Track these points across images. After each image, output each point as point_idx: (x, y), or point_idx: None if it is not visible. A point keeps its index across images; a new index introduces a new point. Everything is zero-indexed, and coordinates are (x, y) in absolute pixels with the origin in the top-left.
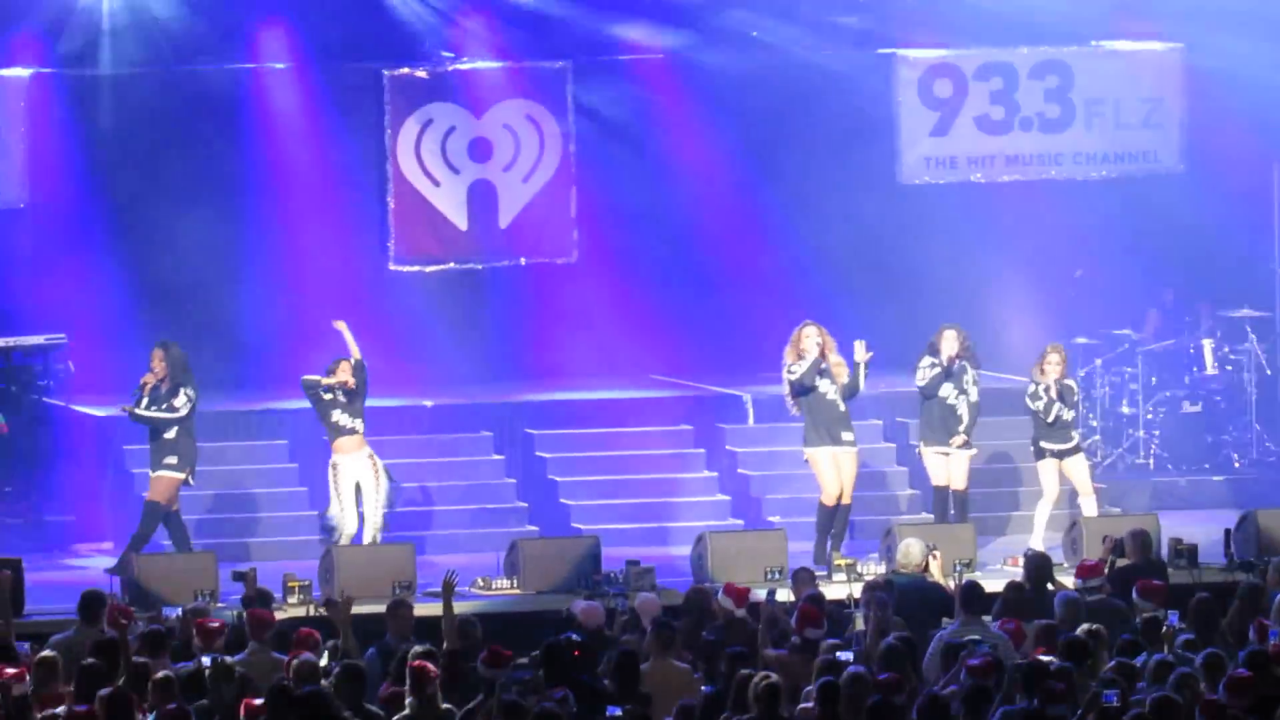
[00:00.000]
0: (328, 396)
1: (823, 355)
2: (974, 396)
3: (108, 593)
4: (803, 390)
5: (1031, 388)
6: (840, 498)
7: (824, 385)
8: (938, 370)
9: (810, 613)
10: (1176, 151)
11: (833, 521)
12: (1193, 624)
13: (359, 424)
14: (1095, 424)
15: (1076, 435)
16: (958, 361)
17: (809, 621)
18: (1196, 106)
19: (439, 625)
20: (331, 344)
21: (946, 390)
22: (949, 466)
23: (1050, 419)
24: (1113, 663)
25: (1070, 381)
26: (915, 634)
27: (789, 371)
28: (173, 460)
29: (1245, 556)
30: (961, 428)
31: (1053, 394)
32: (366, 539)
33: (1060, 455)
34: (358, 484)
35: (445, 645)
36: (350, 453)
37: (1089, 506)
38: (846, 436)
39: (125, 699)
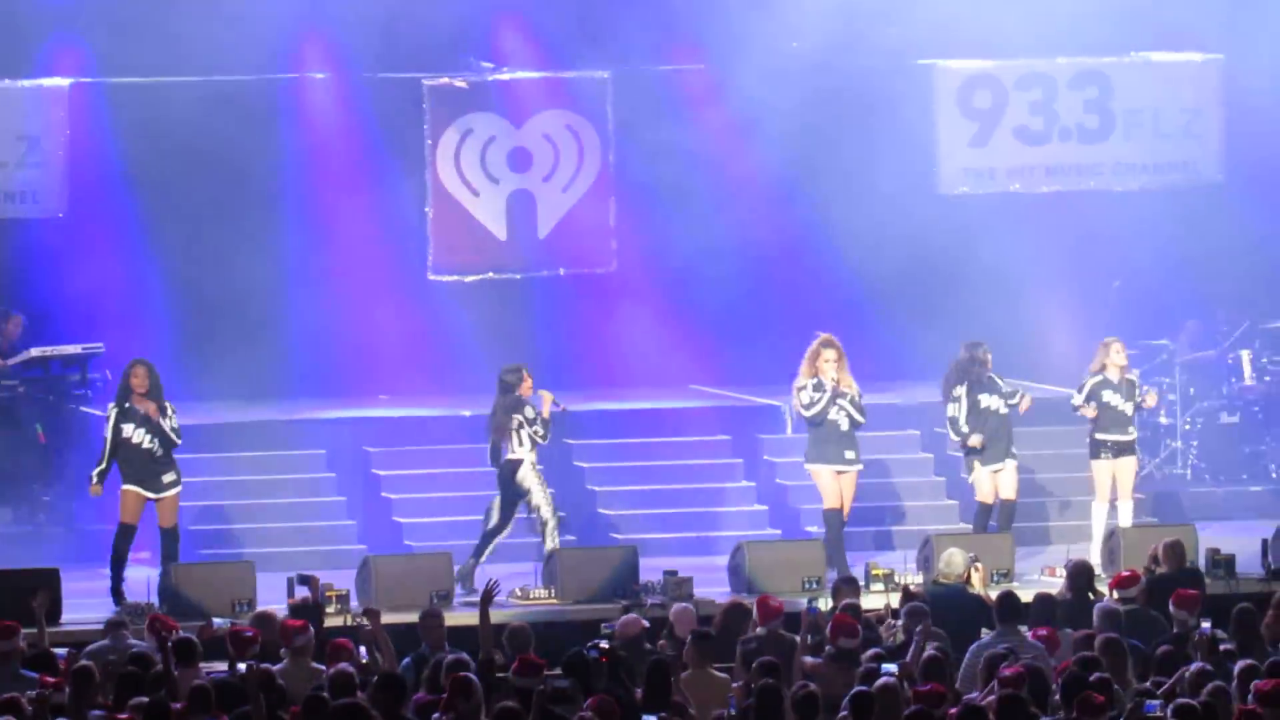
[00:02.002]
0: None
1: (837, 384)
2: (1004, 410)
3: (145, 602)
4: (815, 422)
5: (1096, 379)
6: (842, 506)
7: (833, 411)
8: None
9: (845, 622)
10: (1216, 162)
11: (842, 528)
12: (1234, 634)
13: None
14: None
15: (1134, 431)
16: (989, 376)
17: (843, 631)
18: (1236, 118)
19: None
20: (371, 353)
21: (994, 402)
22: (997, 479)
23: (1116, 406)
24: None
25: (1133, 375)
26: (955, 645)
27: (802, 401)
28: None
29: None
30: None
31: (1117, 383)
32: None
33: (1117, 451)
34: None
35: (481, 655)
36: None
37: (1125, 511)
38: (849, 455)
39: (163, 707)
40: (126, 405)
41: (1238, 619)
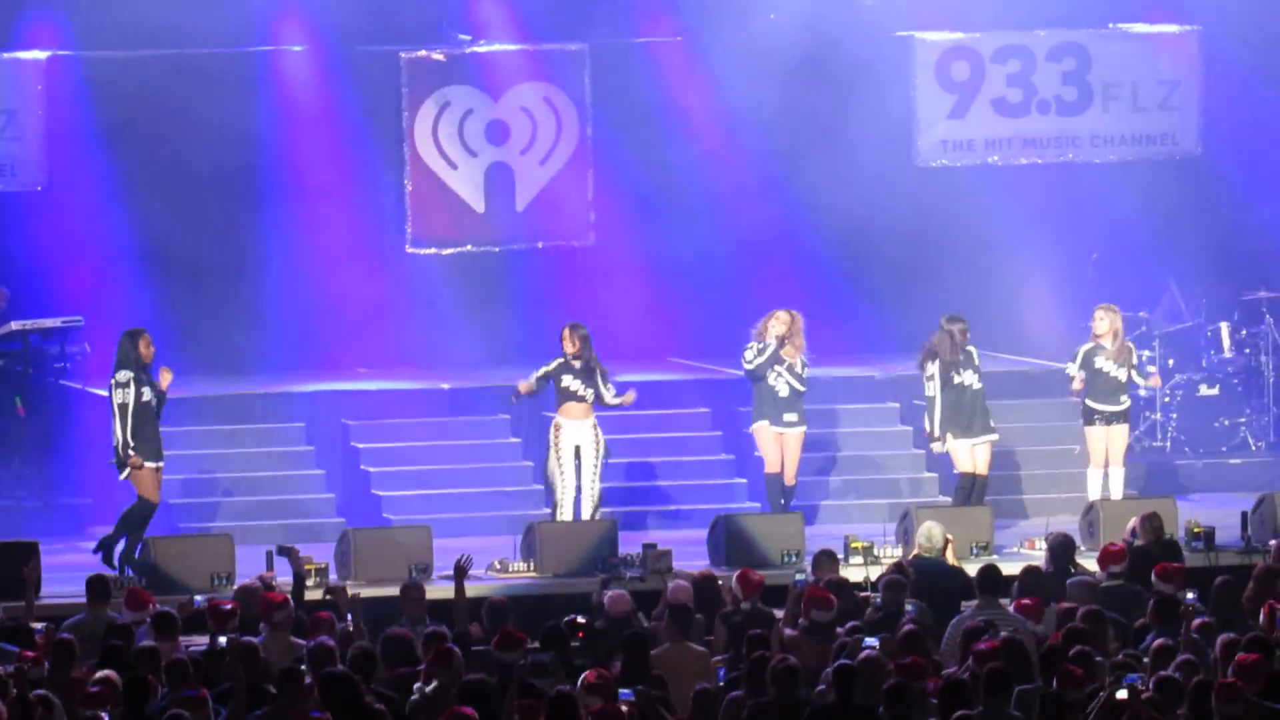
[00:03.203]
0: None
1: (782, 343)
2: (979, 385)
3: (127, 576)
4: (754, 378)
5: (1089, 345)
6: (783, 469)
7: (771, 375)
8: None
9: (818, 595)
10: (1194, 134)
11: (781, 492)
12: (1214, 607)
13: (589, 393)
14: None
15: (1127, 400)
16: (965, 351)
17: (816, 604)
18: (1214, 89)
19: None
20: (350, 326)
21: (970, 378)
22: (974, 453)
23: (1110, 373)
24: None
25: (1129, 343)
26: (936, 617)
27: (745, 357)
28: None
29: (1262, 539)
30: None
31: (1110, 353)
32: (585, 512)
33: (1108, 420)
34: (577, 449)
35: (455, 628)
36: (576, 418)
37: (1116, 478)
38: (789, 418)
39: (142, 681)
40: (142, 375)
41: (1218, 592)
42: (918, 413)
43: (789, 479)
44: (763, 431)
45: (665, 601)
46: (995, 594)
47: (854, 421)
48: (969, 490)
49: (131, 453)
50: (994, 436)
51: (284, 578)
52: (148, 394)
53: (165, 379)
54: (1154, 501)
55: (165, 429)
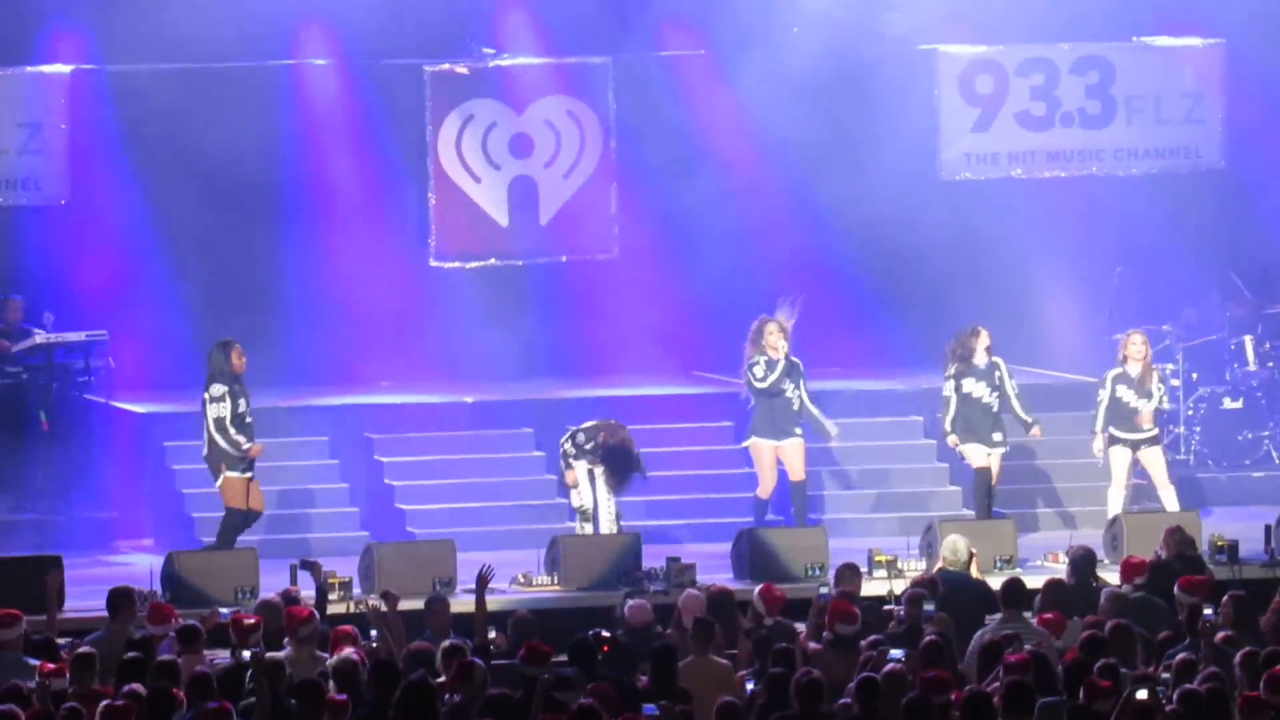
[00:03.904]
0: None
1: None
2: (989, 399)
3: (148, 590)
4: (769, 394)
5: (1116, 370)
6: (791, 476)
7: (789, 389)
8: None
9: (842, 608)
10: (1218, 147)
11: (764, 514)
12: (1225, 622)
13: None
14: None
15: (1149, 428)
16: (989, 359)
17: (840, 617)
18: (1238, 102)
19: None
20: (373, 339)
21: (980, 389)
22: (987, 460)
23: (1130, 403)
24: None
25: (1155, 368)
26: (962, 631)
27: (755, 375)
28: None
29: None
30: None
31: (1135, 378)
32: (604, 527)
33: (1136, 445)
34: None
35: (476, 639)
36: None
37: (1169, 499)
38: (798, 430)
39: (165, 694)
40: (235, 386)
41: (1229, 607)
42: (940, 424)
43: (800, 474)
44: (762, 449)
45: (679, 613)
46: (1018, 607)
47: (878, 435)
48: (987, 487)
49: (246, 445)
50: (1003, 449)
51: (306, 590)
52: (242, 405)
53: None
54: (1178, 515)
55: (187, 444)
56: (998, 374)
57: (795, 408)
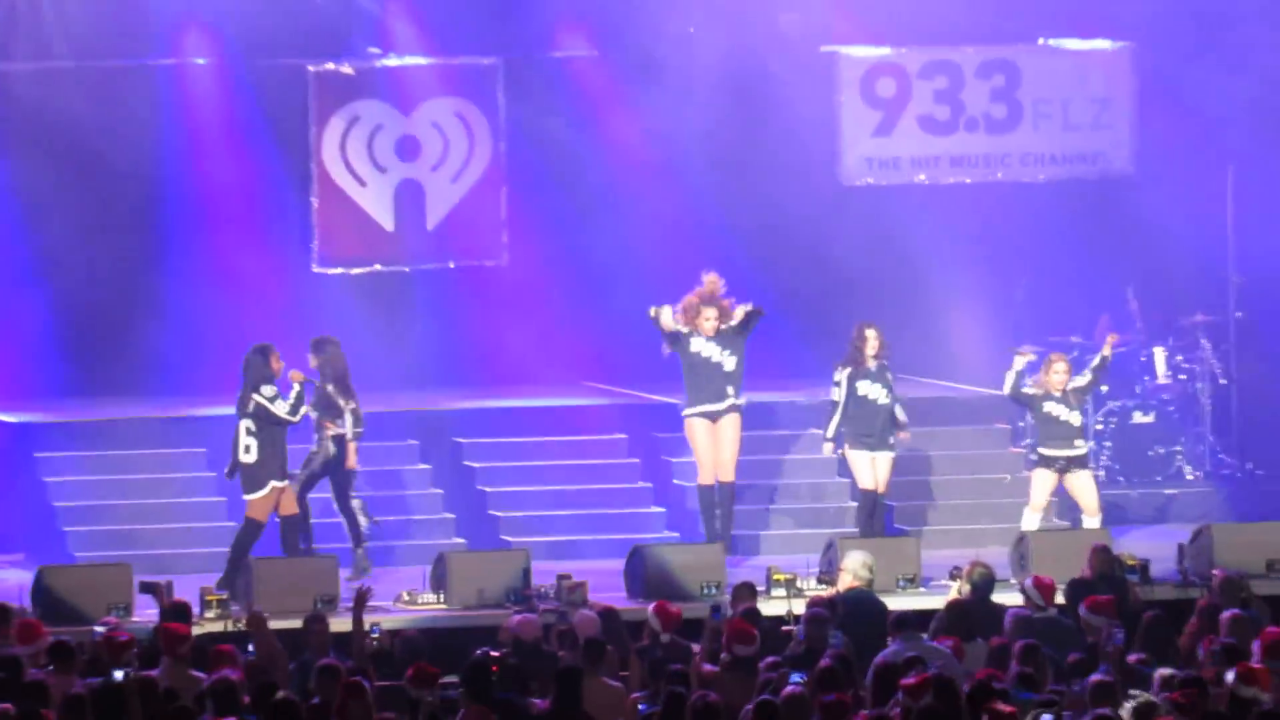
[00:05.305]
0: None
1: (698, 312)
2: (885, 400)
3: (16, 606)
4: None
5: (1038, 390)
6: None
7: (697, 344)
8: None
9: (740, 628)
10: (1127, 153)
11: (714, 504)
12: (1143, 643)
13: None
14: None
15: (1083, 445)
16: (877, 362)
17: (739, 638)
18: (1147, 107)
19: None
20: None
21: (875, 391)
22: (875, 467)
23: (1060, 417)
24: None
25: (1079, 381)
26: (867, 652)
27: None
28: None
29: (1199, 572)
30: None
31: (1060, 397)
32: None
33: (1066, 467)
34: None
35: (354, 662)
36: None
37: (1094, 526)
38: (730, 391)
39: (34, 716)
40: (278, 389)
41: (1149, 627)
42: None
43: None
44: (697, 428)
45: (570, 634)
46: (908, 630)
47: (776, 448)
48: (871, 510)
49: (314, 413)
50: (893, 453)
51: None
52: (282, 409)
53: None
54: (1087, 533)
55: (55, 455)
56: (888, 375)
57: (729, 369)
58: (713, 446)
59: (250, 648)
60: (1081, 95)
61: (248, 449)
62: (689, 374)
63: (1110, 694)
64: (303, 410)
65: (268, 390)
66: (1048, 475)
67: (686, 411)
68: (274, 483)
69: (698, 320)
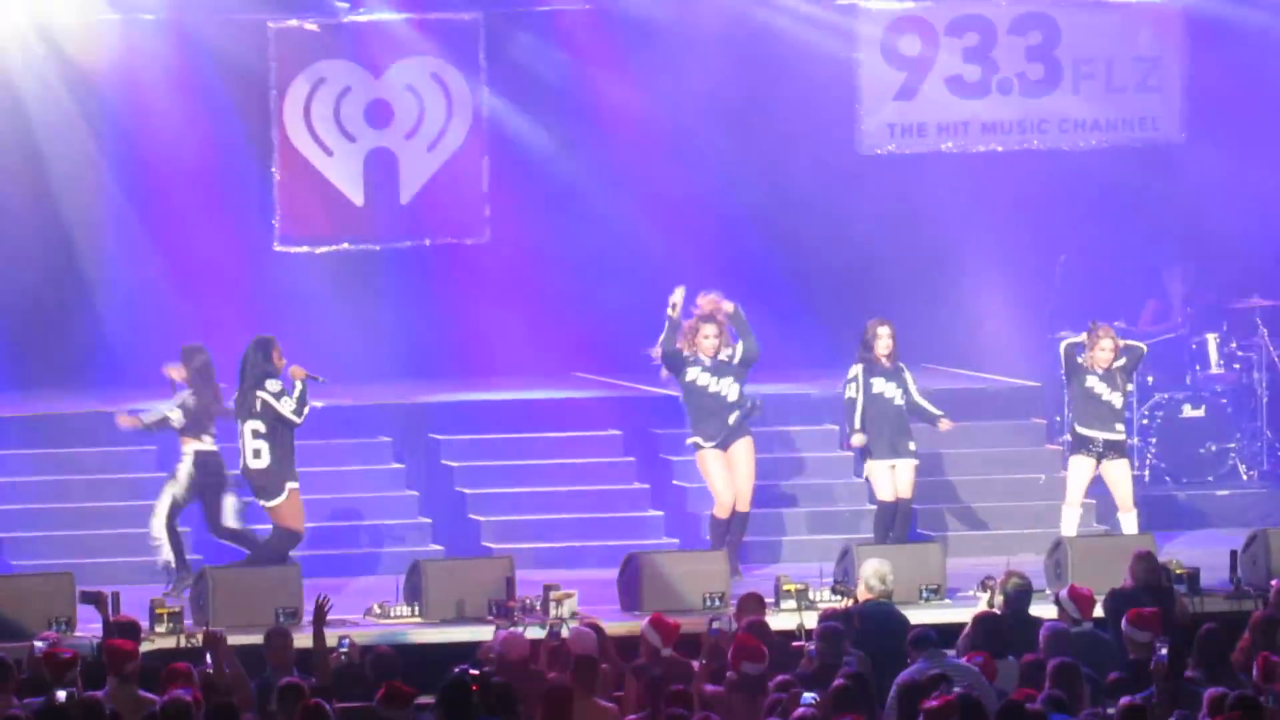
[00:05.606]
0: None
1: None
2: (900, 400)
3: None
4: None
5: (1084, 361)
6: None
7: (693, 373)
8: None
9: (748, 644)
10: (1177, 118)
11: (726, 534)
12: (1199, 660)
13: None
14: None
15: (1122, 430)
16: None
17: (746, 655)
18: (1200, 67)
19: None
20: (210, 332)
21: (889, 389)
22: (894, 475)
23: (1102, 396)
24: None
25: (1122, 362)
26: (887, 670)
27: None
28: None
29: (1254, 582)
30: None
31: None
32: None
33: (1104, 452)
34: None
35: (316, 680)
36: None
37: (1129, 524)
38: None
39: None
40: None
41: (1203, 643)
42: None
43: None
44: (708, 459)
45: (561, 651)
46: (928, 648)
47: (788, 445)
48: (890, 522)
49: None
50: (915, 460)
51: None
52: (287, 407)
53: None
54: (1130, 538)
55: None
56: (905, 375)
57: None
58: (729, 476)
59: (208, 659)
60: (1127, 54)
61: (257, 453)
62: (690, 404)
63: (1141, 718)
64: (305, 411)
65: (273, 385)
66: (1085, 462)
67: (695, 441)
68: (291, 484)
69: (696, 339)
